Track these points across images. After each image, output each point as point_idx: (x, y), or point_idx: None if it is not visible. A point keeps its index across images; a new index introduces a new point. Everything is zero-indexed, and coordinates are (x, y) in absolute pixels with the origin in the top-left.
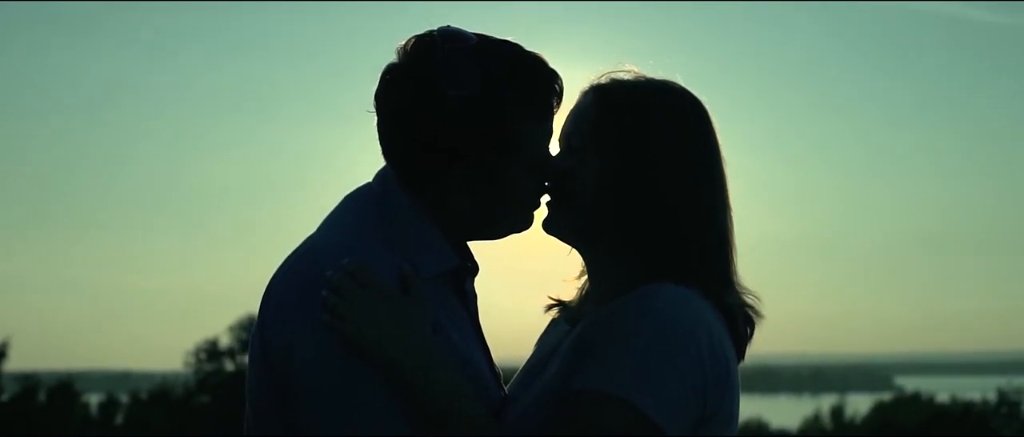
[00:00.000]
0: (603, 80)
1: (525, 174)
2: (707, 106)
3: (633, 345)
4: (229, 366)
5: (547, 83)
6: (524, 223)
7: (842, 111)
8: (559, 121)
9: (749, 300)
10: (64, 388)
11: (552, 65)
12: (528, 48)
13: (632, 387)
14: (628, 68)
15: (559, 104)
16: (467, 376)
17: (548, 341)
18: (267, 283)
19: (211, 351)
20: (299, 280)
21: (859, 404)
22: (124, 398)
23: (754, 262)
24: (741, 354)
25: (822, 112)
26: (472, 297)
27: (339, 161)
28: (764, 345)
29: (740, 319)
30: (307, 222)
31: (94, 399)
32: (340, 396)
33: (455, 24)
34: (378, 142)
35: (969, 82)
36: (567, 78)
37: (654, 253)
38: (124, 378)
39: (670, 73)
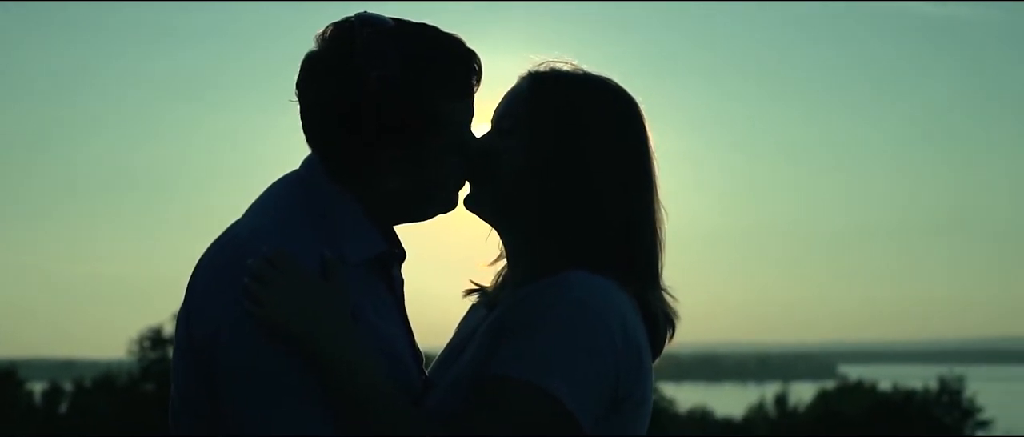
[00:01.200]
0: (542, 68)
1: (448, 153)
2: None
3: (546, 331)
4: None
5: (466, 62)
6: (450, 204)
7: (788, 103)
8: (486, 104)
9: (669, 300)
10: (7, 376)
11: (473, 48)
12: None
13: (544, 372)
14: (566, 60)
15: (478, 84)
16: (389, 361)
17: (467, 325)
18: (193, 269)
19: (155, 339)
20: (223, 267)
21: (803, 392)
22: (68, 386)
23: (701, 252)
24: (656, 352)
25: (768, 103)
26: (399, 282)
27: (288, 148)
28: (709, 334)
29: (660, 317)
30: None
31: (38, 387)
32: (261, 382)
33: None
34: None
35: (917, 75)
36: (502, 68)
37: (573, 241)
38: (68, 366)
39: (607, 70)
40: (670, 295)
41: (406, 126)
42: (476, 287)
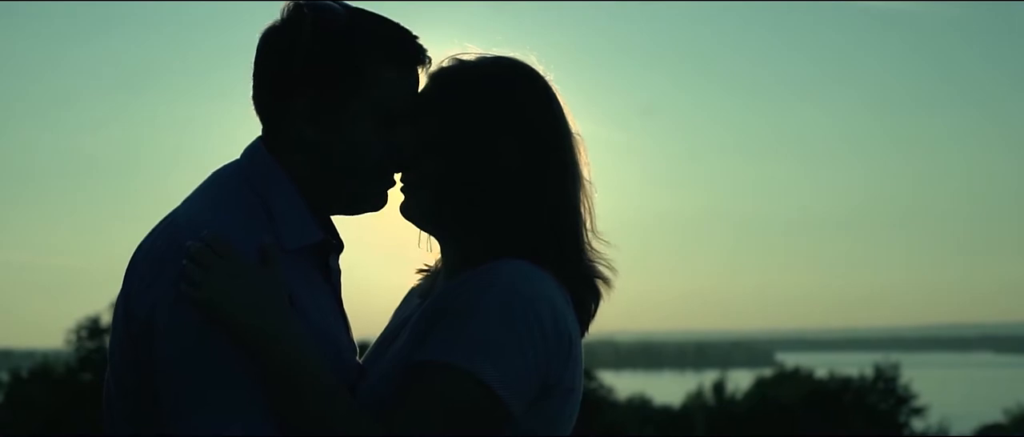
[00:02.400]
0: (445, 62)
1: (371, 120)
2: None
3: (476, 318)
4: None
5: (409, 40)
6: (374, 196)
7: (731, 93)
8: None
9: (602, 269)
10: None
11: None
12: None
13: (474, 359)
14: (470, 50)
15: (421, 65)
16: (323, 349)
17: (401, 314)
18: (131, 256)
19: (92, 328)
20: (161, 251)
21: (740, 380)
22: (4, 376)
23: (640, 241)
24: (585, 327)
25: (710, 93)
26: (336, 273)
27: (221, 135)
28: (648, 322)
29: (586, 293)
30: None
31: None
32: (197, 366)
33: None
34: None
35: (863, 66)
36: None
37: (498, 230)
38: (4, 356)
39: (549, 64)
40: (606, 264)
41: (332, 72)
42: (427, 269)
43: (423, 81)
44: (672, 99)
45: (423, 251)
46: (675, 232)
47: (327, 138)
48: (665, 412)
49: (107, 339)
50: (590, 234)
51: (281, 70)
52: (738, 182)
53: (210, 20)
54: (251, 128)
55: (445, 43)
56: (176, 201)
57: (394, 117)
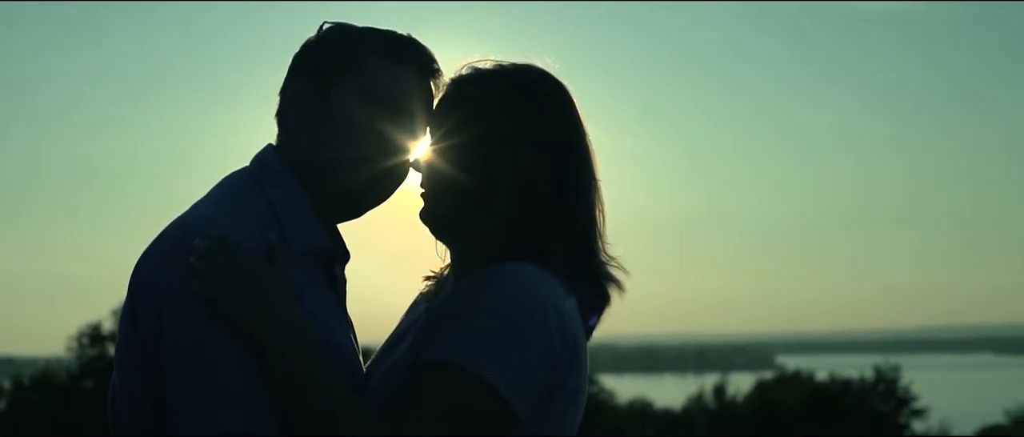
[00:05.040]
0: (463, 70)
1: (360, 106)
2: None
3: (481, 319)
4: (112, 350)
5: (408, 41)
6: (371, 191)
7: (733, 91)
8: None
9: (614, 272)
10: None
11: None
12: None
13: (479, 359)
14: (487, 58)
15: (424, 70)
16: (327, 350)
17: (408, 319)
18: (138, 258)
19: (94, 335)
20: (169, 249)
21: (741, 383)
22: (6, 384)
23: (640, 244)
24: (589, 332)
25: (712, 97)
26: (342, 282)
27: (224, 142)
28: (649, 326)
29: (594, 296)
30: (190, 204)
31: None
32: (203, 362)
33: (344, 16)
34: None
35: (866, 68)
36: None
37: (506, 233)
38: (6, 364)
39: (533, 59)
40: (619, 267)
41: (325, 58)
42: (434, 275)
43: (437, 91)
44: (672, 102)
45: (431, 259)
46: (675, 235)
47: (319, 125)
48: (666, 415)
49: (108, 346)
50: (603, 237)
51: (289, 73)
52: (737, 184)
53: (214, 26)
54: (254, 135)
55: (445, 45)
56: (178, 208)
57: (385, 107)
